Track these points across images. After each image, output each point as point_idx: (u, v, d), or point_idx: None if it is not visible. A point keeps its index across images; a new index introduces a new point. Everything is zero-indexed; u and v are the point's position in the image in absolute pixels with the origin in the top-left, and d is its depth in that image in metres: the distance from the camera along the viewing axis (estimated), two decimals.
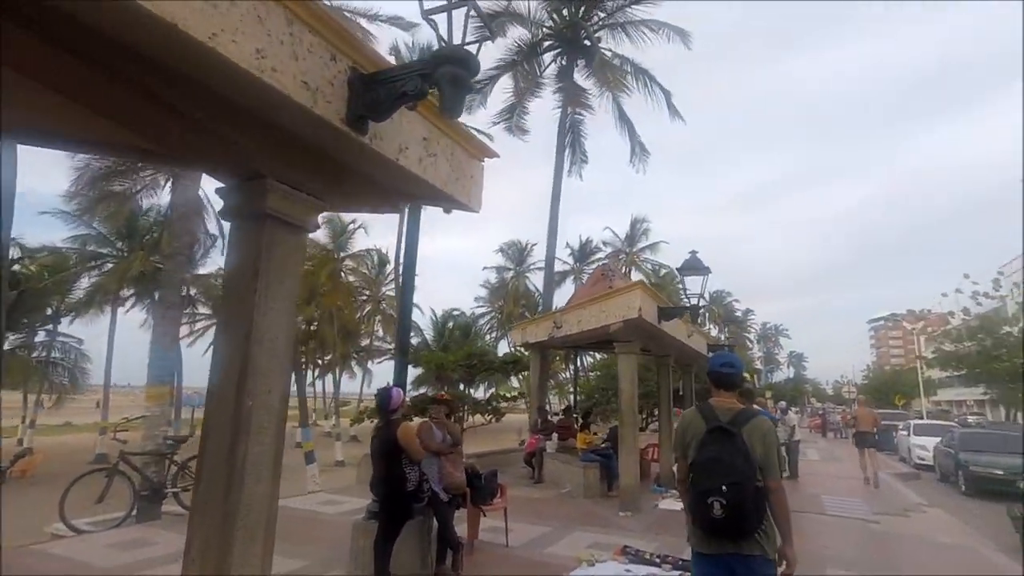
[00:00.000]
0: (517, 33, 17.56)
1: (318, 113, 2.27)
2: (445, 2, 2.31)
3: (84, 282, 28.03)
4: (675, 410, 11.81)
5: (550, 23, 17.60)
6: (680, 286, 9.48)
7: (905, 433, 19.89)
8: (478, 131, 21.99)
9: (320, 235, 32.08)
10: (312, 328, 37.72)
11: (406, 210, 5.82)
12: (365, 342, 41.83)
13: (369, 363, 42.52)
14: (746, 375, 39.55)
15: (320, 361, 40.58)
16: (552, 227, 16.00)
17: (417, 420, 6.49)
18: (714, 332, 44.46)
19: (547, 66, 18.17)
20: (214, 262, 28.52)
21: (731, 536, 2.79)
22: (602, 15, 17.35)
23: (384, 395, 4.78)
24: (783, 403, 15.69)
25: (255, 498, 2.46)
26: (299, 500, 9.12)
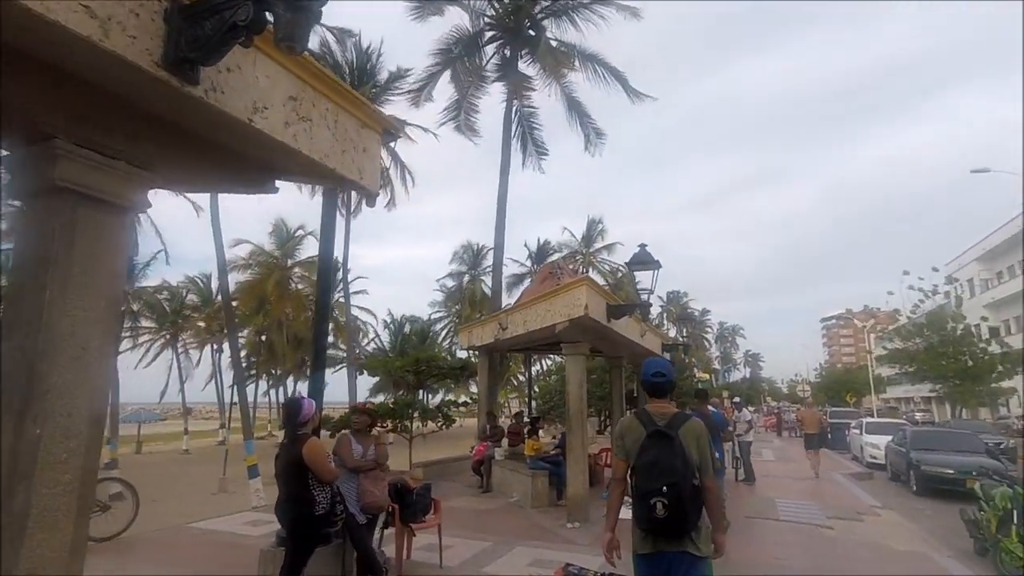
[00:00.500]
0: (455, 20, 16.95)
1: (113, 50, 1.71)
2: None
3: None
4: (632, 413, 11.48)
5: (491, 12, 16.94)
6: (636, 286, 9.13)
7: (857, 431, 20.07)
8: (425, 130, 21.47)
9: (266, 243, 31.06)
10: (262, 338, 36.48)
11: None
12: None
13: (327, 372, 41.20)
14: (705, 375, 39.75)
15: (274, 371, 39.27)
16: (500, 223, 15.48)
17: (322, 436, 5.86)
18: (672, 332, 44.81)
19: (490, 58, 17.47)
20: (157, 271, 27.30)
21: (670, 535, 2.93)
22: (546, 2, 16.75)
23: (293, 406, 4.20)
24: (737, 399, 15.58)
25: (47, 551, 1.88)
26: (225, 520, 8.37)
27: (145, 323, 34.91)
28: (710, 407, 8.52)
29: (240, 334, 36.16)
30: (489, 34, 17.26)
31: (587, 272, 34.75)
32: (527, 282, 37.74)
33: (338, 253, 27.06)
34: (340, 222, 23.07)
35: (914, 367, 25.39)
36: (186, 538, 7.26)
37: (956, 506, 10.16)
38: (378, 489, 4.90)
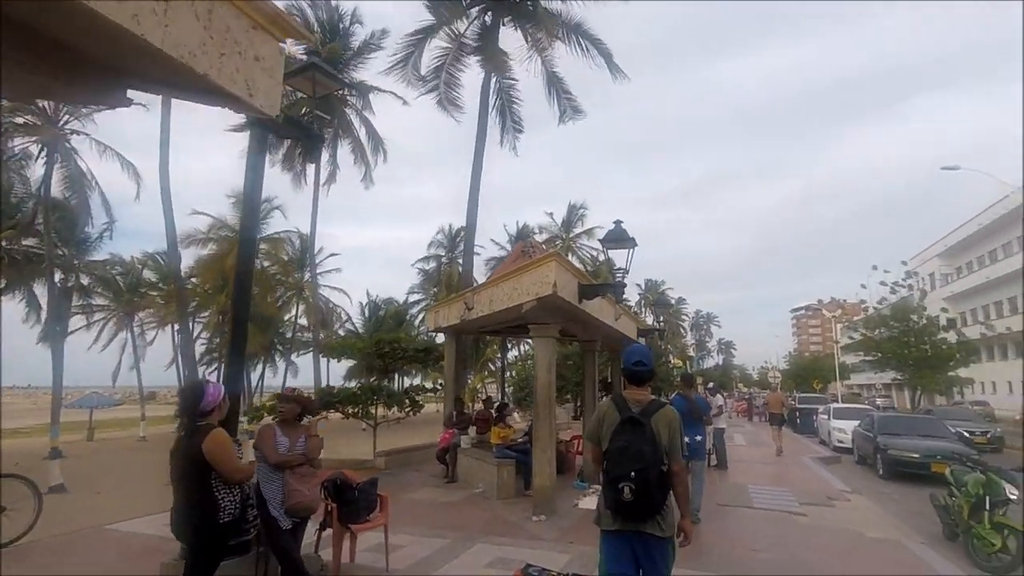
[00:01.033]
0: None
1: None
2: None
3: None
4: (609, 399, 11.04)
5: None
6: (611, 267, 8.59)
7: (825, 417, 20.18)
8: (397, 96, 20.53)
9: (229, 216, 29.64)
10: (223, 319, 35.04)
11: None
12: (289, 334, 39.51)
13: (293, 355, 40.05)
14: (680, 362, 39.95)
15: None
16: (473, 200, 14.80)
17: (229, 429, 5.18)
18: (649, 320, 44.81)
19: (472, 21, 16.51)
20: (114, 247, 25.89)
21: (636, 517, 3.06)
22: None
23: (195, 391, 3.50)
24: (711, 384, 15.41)
25: None
26: (152, 521, 7.32)
27: (99, 301, 33.07)
28: (693, 392, 8.21)
29: (203, 314, 34.82)
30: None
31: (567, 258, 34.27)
32: None
33: (306, 228, 26.00)
34: (307, 195, 22.20)
35: (878, 355, 25.93)
36: (96, 542, 6.47)
37: (922, 489, 10.13)
38: (307, 487, 4.25)
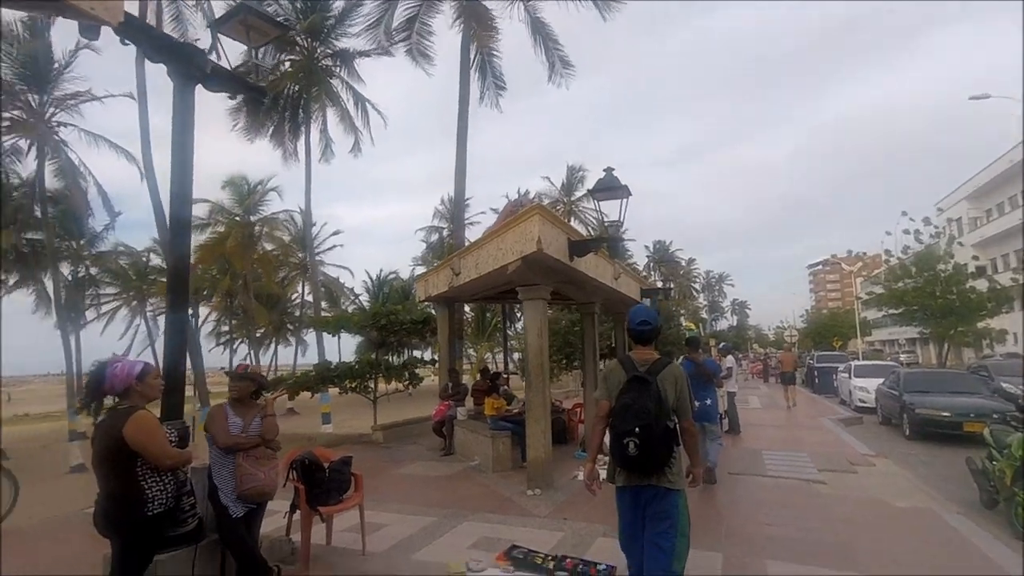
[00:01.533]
0: None
1: None
2: None
3: None
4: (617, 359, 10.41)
5: None
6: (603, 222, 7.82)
7: (845, 375, 19.44)
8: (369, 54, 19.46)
9: (224, 199, 29.21)
10: (232, 302, 34.92)
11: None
12: (298, 312, 39.49)
13: (303, 333, 40.07)
14: (692, 325, 39.40)
15: (256, 334, 38.02)
16: (460, 162, 14.01)
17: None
18: (660, 284, 43.80)
19: None
20: (122, 236, 25.87)
21: (642, 471, 3.19)
22: None
23: (95, 374, 2.98)
24: (723, 344, 14.80)
25: None
26: None
27: (109, 290, 33.25)
28: (701, 354, 7.84)
29: (212, 299, 34.77)
30: None
31: (569, 223, 33.39)
32: None
33: (302, 203, 25.42)
34: (299, 169, 21.56)
35: (902, 308, 24.72)
36: (64, 529, 6.14)
37: (954, 451, 9.55)
38: (263, 471, 3.76)
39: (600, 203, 7.37)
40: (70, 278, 26.48)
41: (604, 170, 7.11)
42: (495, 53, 15.36)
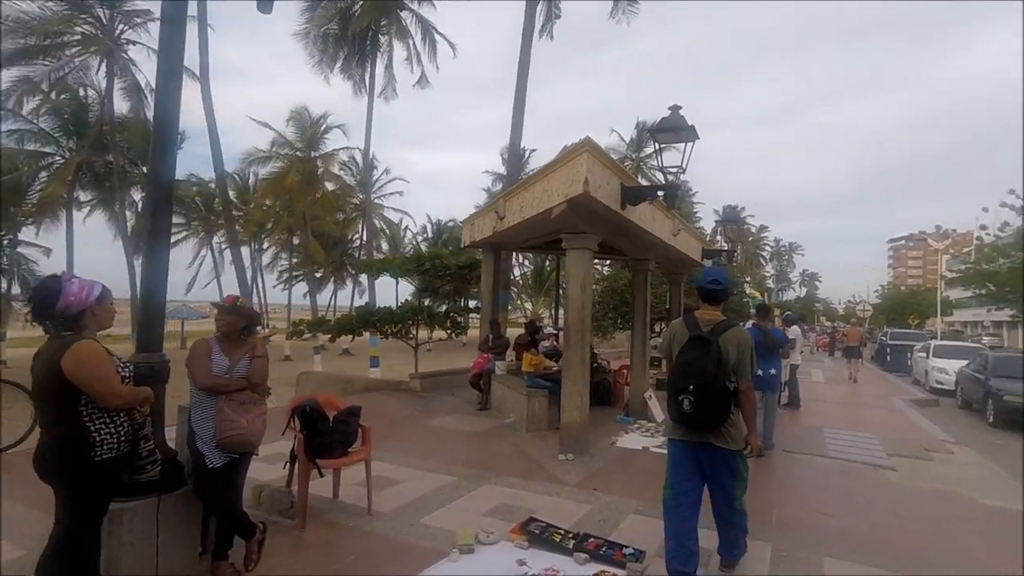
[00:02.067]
0: None
1: None
2: None
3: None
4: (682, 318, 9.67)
5: None
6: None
7: (923, 355, 17.91)
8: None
9: (289, 132, 29.22)
10: (293, 240, 35.64)
11: None
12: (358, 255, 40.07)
13: (360, 276, 40.76)
14: (757, 294, 37.43)
15: (315, 274, 39.08)
16: (520, 99, 13.20)
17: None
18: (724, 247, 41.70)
19: None
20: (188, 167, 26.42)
21: (697, 428, 3.23)
22: None
23: (46, 288, 2.59)
24: (787, 314, 13.78)
25: None
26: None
27: (178, 220, 34.36)
28: (767, 323, 7.56)
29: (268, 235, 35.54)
30: None
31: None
32: None
33: (374, 147, 25.34)
34: (363, 106, 21.28)
35: (992, 288, 22.55)
36: None
37: None
38: (247, 418, 3.40)
39: (661, 146, 6.58)
40: (140, 204, 27.29)
41: (669, 108, 6.27)
42: None
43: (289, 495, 4.40)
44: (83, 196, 26.52)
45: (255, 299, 45.49)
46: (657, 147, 6.49)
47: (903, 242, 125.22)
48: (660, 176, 6.82)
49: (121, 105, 22.64)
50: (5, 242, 23.30)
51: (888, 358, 23.09)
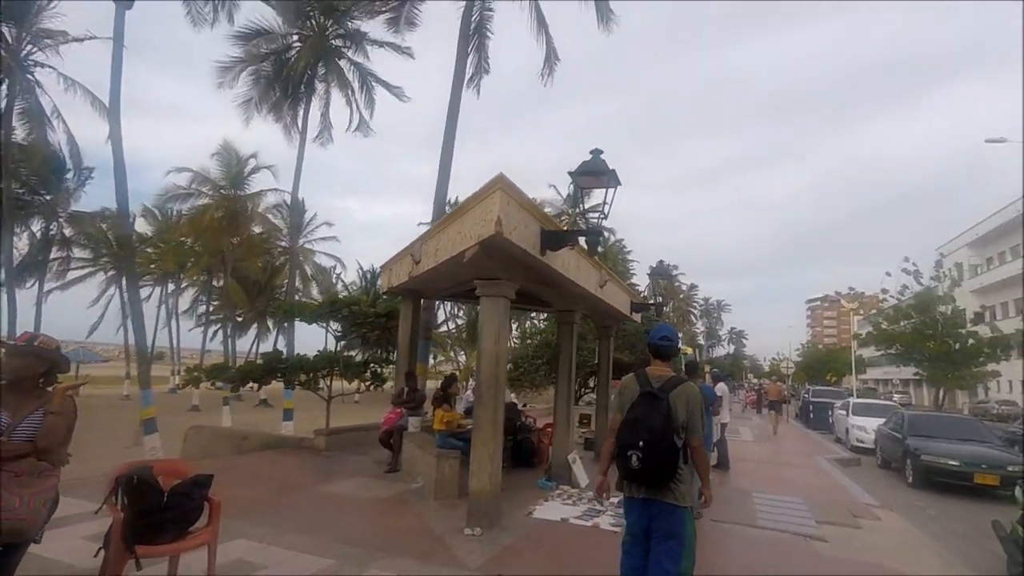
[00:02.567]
0: None
1: None
2: None
3: None
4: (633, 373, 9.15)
5: None
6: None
7: (843, 413, 18.27)
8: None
9: (212, 168, 27.78)
10: (215, 282, 33.56)
11: None
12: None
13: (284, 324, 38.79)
14: (688, 349, 38.07)
15: (235, 317, 36.77)
16: (448, 147, 12.84)
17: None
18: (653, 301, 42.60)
19: None
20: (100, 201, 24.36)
21: (646, 484, 3.21)
22: None
23: None
24: (716, 371, 13.74)
25: None
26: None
27: (81, 254, 31.50)
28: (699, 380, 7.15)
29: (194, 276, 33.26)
30: None
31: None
32: None
33: (301, 187, 24.36)
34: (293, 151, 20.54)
35: (898, 348, 23.94)
36: None
37: (961, 504, 8.80)
38: (23, 495, 2.55)
39: (583, 190, 6.23)
40: (39, 235, 24.80)
41: (591, 152, 5.97)
42: (488, 33, 14.28)
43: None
44: None
45: (172, 341, 42.40)
46: (580, 192, 6.12)
47: (819, 302, 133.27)
48: (583, 223, 6.43)
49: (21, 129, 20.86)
50: None
51: (811, 415, 23.61)
